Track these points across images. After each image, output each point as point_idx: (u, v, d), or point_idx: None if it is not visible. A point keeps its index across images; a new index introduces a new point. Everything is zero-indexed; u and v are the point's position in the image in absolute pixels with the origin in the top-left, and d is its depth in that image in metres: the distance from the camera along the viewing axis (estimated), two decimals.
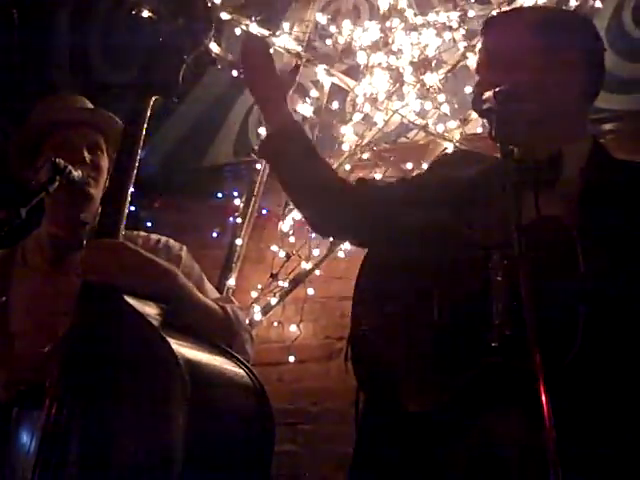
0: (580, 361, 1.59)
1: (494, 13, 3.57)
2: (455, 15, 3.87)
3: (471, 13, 3.85)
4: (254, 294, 4.15)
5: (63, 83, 5.08)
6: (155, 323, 1.95)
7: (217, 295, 2.39)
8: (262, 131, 3.94)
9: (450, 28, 3.86)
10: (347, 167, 3.93)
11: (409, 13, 3.96)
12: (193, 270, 2.37)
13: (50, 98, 2.63)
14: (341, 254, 4.00)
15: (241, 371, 2.01)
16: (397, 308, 1.84)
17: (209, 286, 2.38)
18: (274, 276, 4.12)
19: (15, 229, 2.06)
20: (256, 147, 4.07)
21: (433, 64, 3.89)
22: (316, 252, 4.06)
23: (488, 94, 1.81)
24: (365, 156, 4.02)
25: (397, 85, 3.92)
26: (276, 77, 2.19)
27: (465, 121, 3.85)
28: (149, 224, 4.30)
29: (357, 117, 4.00)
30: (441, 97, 3.87)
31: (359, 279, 1.95)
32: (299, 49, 4.13)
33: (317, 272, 4.10)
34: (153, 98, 2.18)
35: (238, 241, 4.34)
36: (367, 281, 1.93)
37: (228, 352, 2.04)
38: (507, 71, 1.90)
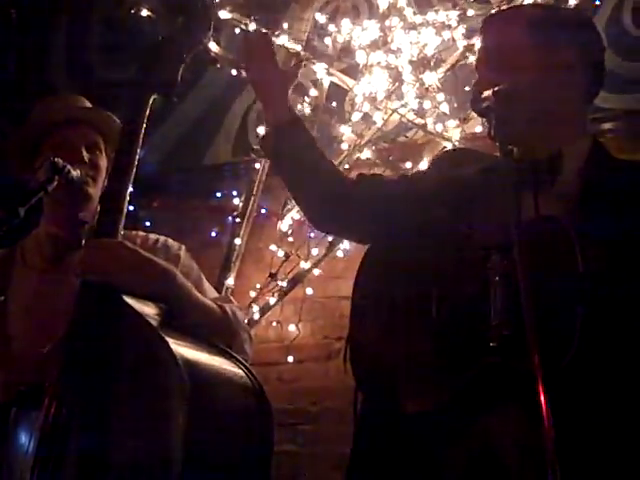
0: (578, 361, 1.59)
1: (493, 12, 3.57)
2: (454, 14, 3.86)
3: (470, 12, 3.84)
4: (253, 294, 4.16)
5: (62, 83, 5.08)
6: (154, 323, 1.95)
7: (216, 295, 2.39)
8: (261, 130, 3.93)
9: (449, 27, 3.85)
10: (346, 166, 3.93)
11: (408, 12, 3.96)
12: (192, 270, 2.36)
13: (49, 98, 2.63)
14: (340, 254, 4.00)
15: (240, 371, 2.00)
16: (396, 307, 1.84)
17: (208, 286, 2.38)
18: (273, 276, 4.12)
19: (14, 229, 2.06)
20: (255, 146, 4.11)
21: (432, 63, 3.88)
22: (315, 252, 4.06)
23: (487, 93, 1.81)
24: (364, 155, 4.01)
25: (396, 84, 3.92)
26: (278, 72, 2.19)
27: (464, 120, 3.85)
28: (148, 223, 4.30)
29: (356, 116, 3.99)
30: (440, 96, 3.87)
31: (358, 278, 1.95)
32: (298, 48, 4.13)
33: (316, 272, 4.10)
34: (152, 97, 2.18)
35: (237, 241, 4.34)
36: (366, 281, 1.92)
37: (227, 352, 2.04)
38: (506, 70, 1.89)
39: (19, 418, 1.99)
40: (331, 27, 4.09)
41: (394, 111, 3.91)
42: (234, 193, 4.47)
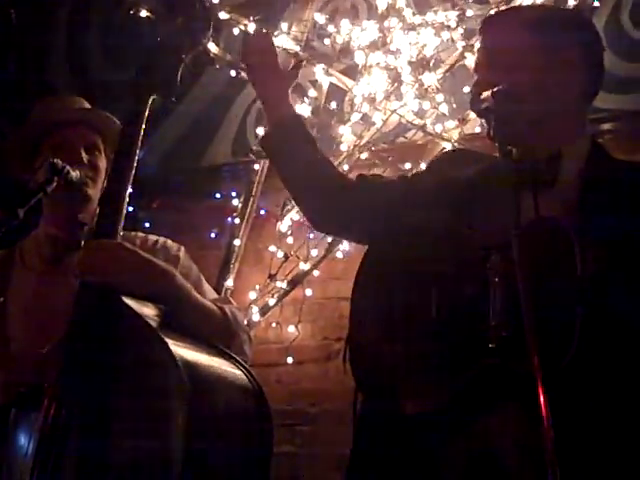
0: (578, 362, 1.59)
1: (492, 12, 3.57)
2: (453, 14, 3.86)
3: (469, 12, 3.84)
4: (252, 295, 4.15)
5: (62, 83, 5.08)
6: (153, 324, 1.95)
7: (215, 296, 2.39)
8: (260, 131, 3.93)
9: (448, 27, 3.85)
10: (345, 167, 3.93)
11: (407, 13, 3.95)
12: (191, 271, 2.36)
13: (48, 99, 2.63)
14: (339, 255, 4.00)
15: (239, 372, 2.00)
16: (396, 308, 1.84)
17: (207, 287, 2.38)
18: (272, 277, 4.12)
19: (13, 230, 2.05)
20: (254, 147, 4.11)
21: (431, 64, 3.88)
22: (314, 253, 4.06)
23: (486, 94, 1.81)
24: (363, 156, 4.02)
25: (395, 85, 3.92)
26: (279, 72, 2.19)
27: (463, 121, 3.85)
28: (147, 224, 4.30)
29: (355, 117, 3.99)
30: (439, 97, 3.87)
31: (358, 279, 1.94)
32: (297, 49, 4.13)
33: (315, 273, 4.10)
34: (151, 98, 2.18)
35: (236, 241, 4.34)
36: (366, 281, 1.92)
37: (226, 353, 2.04)
38: (506, 70, 1.89)
39: (18, 419, 1.99)
40: (330, 28, 4.08)
41: (393, 112, 3.91)
42: (233, 194, 4.46)
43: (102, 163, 2.41)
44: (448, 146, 3.80)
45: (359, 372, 1.85)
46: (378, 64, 3.93)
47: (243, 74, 4.05)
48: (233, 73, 4.29)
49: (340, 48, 4.07)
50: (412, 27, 3.90)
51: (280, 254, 4.11)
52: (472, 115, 3.60)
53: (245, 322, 2.39)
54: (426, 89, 3.86)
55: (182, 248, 2.43)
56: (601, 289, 1.63)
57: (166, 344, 1.89)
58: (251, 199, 4.39)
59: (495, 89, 1.79)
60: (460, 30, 3.84)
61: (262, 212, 4.41)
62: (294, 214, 4.03)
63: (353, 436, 1.90)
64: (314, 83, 4.23)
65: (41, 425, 1.89)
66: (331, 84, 4.19)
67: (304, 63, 4.05)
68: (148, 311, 1.99)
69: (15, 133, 2.49)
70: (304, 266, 4.07)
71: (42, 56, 5.18)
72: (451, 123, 3.88)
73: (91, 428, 1.89)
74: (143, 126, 2.17)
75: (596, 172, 1.88)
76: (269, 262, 4.16)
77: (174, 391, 1.85)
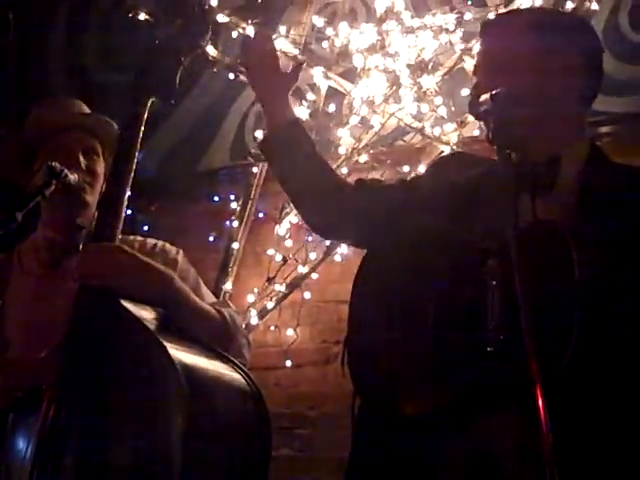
0: (575, 365, 1.59)
1: (491, 15, 3.58)
2: (452, 17, 3.86)
3: (468, 15, 3.84)
4: (251, 298, 4.15)
5: (60, 85, 5.07)
6: (152, 327, 1.95)
7: (213, 299, 2.39)
8: (259, 134, 3.93)
9: (447, 31, 3.84)
10: (344, 170, 3.92)
11: (405, 16, 3.95)
12: (189, 274, 2.36)
13: (46, 102, 2.63)
14: (338, 258, 4.00)
15: (238, 376, 2.00)
16: (395, 311, 1.84)
17: (205, 290, 2.38)
18: (270, 280, 4.12)
19: (11, 233, 2.05)
20: (253, 150, 4.10)
21: (430, 67, 3.88)
22: (313, 256, 4.05)
23: (485, 97, 1.80)
24: (362, 159, 4.01)
25: (394, 88, 3.92)
26: (279, 74, 2.19)
27: (462, 124, 3.84)
28: (146, 228, 4.30)
29: (354, 120, 3.99)
30: (438, 100, 3.86)
31: (356, 282, 1.94)
32: (296, 52, 4.13)
33: (314, 276, 4.10)
34: (150, 100, 2.18)
35: (235, 245, 4.33)
36: (365, 284, 1.92)
37: (225, 356, 2.04)
38: (505, 73, 1.89)
39: (16, 423, 1.99)
40: (329, 31, 4.08)
41: (392, 115, 3.91)
42: (232, 197, 4.46)
43: (100, 168, 2.41)
44: (447, 149, 3.80)
45: (358, 375, 1.85)
46: (377, 67, 3.92)
47: (242, 77, 4.05)
48: (232, 76, 4.28)
49: (339, 51, 4.06)
50: (410, 30, 3.90)
51: (278, 257, 4.11)
52: (471, 118, 3.60)
53: (243, 325, 2.39)
54: (424, 92, 3.86)
55: (180, 252, 2.43)
56: (599, 292, 1.64)
57: (164, 348, 1.89)
58: (249, 202, 4.38)
59: (494, 92, 1.79)
60: (459, 33, 3.83)
61: (260, 215, 4.40)
62: (292, 217, 4.03)
63: (352, 439, 1.90)
64: (312, 86, 4.23)
65: (39, 428, 1.88)
66: (329, 87, 4.19)
67: (304, 65, 4.04)
68: (146, 314, 1.99)
69: (13, 136, 2.49)
70: (302, 269, 4.07)
71: (41, 58, 5.17)
72: (450, 126, 3.87)
73: (89, 431, 1.88)
74: (142, 129, 2.17)
75: (595, 176, 1.88)
76: (267, 265, 4.16)
77: (173, 394, 1.85)
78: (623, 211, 1.77)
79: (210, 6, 3.90)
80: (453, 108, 3.87)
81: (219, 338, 2.13)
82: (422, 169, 3.73)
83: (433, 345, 1.77)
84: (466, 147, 3.71)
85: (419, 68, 3.87)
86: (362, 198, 2.14)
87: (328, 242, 3.91)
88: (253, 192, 4.38)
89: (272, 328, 4.20)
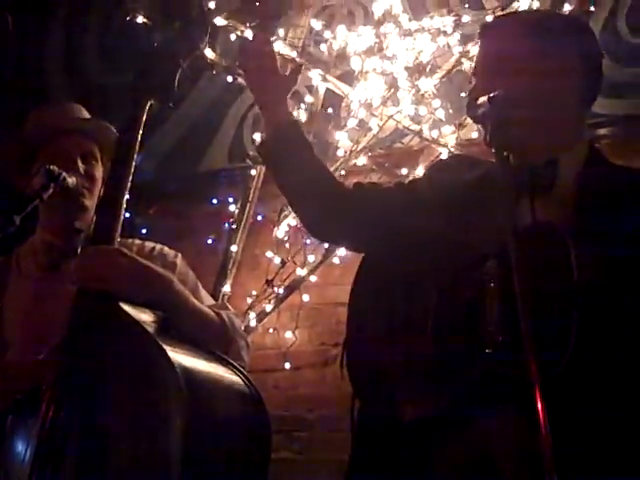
0: (574, 366, 1.59)
1: (488, 18, 3.58)
2: (449, 20, 3.86)
3: (465, 18, 3.84)
4: (249, 300, 4.14)
5: (58, 88, 5.07)
6: (151, 330, 1.95)
7: (212, 302, 2.39)
8: (257, 137, 3.93)
9: (445, 33, 3.85)
10: (342, 172, 3.92)
11: (403, 18, 3.95)
12: (188, 277, 2.36)
13: (45, 106, 2.63)
14: (336, 260, 4.00)
15: (237, 378, 2.00)
16: (394, 313, 1.84)
17: (204, 293, 2.38)
18: (269, 282, 4.11)
19: (10, 236, 2.05)
20: (251, 153, 4.10)
21: (428, 69, 3.88)
22: (311, 258, 4.05)
23: (482, 99, 1.81)
24: (360, 162, 4.01)
25: (392, 90, 3.92)
26: (278, 77, 2.18)
27: (460, 126, 3.84)
28: (144, 230, 4.29)
29: (352, 122, 3.99)
30: (436, 102, 3.86)
31: (355, 285, 1.94)
32: (294, 55, 4.13)
33: (312, 278, 4.09)
34: (149, 102, 2.18)
35: (233, 247, 4.33)
36: (363, 287, 1.92)
37: (224, 359, 2.04)
38: (504, 76, 1.89)
39: (15, 426, 1.99)
40: (327, 33, 4.08)
41: (390, 117, 3.91)
42: (230, 200, 4.46)
43: (98, 172, 2.41)
44: (445, 152, 3.80)
45: (357, 377, 1.85)
46: (374, 70, 3.92)
47: (240, 79, 4.05)
48: (230, 79, 4.28)
49: (336, 54, 4.07)
50: (408, 33, 3.90)
51: (277, 260, 4.11)
52: (469, 120, 3.60)
53: (242, 328, 2.39)
54: (422, 95, 3.86)
55: (179, 255, 2.43)
56: (597, 294, 1.64)
57: (164, 350, 1.89)
58: (248, 205, 4.38)
59: (492, 95, 1.79)
60: (456, 36, 3.84)
61: (259, 218, 4.40)
62: (291, 220, 4.03)
63: (352, 442, 1.90)
64: (310, 89, 4.23)
65: (38, 430, 1.88)
66: (327, 90, 4.19)
67: (303, 67, 4.04)
68: (146, 317, 1.99)
69: (12, 139, 2.49)
70: (301, 272, 4.06)
71: (40, 60, 5.17)
72: (448, 129, 3.87)
73: (89, 433, 1.88)
74: (141, 131, 2.17)
75: (594, 177, 1.88)
76: (266, 268, 4.16)
77: (172, 397, 1.85)
78: (622, 212, 1.77)
79: (208, 9, 3.90)
80: (451, 111, 3.87)
81: (218, 341, 2.13)
82: (420, 171, 3.73)
83: (432, 347, 1.77)
84: (464, 149, 3.71)
85: (417, 71, 3.87)
86: (360, 201, 2.13)
87: (327, 245, 3.91)
88: (251, 195, 4.38)
89: (271, 330, 4.20)
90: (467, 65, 3.77)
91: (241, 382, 2.01)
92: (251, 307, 4.12)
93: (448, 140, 3.85)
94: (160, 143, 4.71)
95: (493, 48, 1.99)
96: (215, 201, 4.56)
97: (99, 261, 2.04)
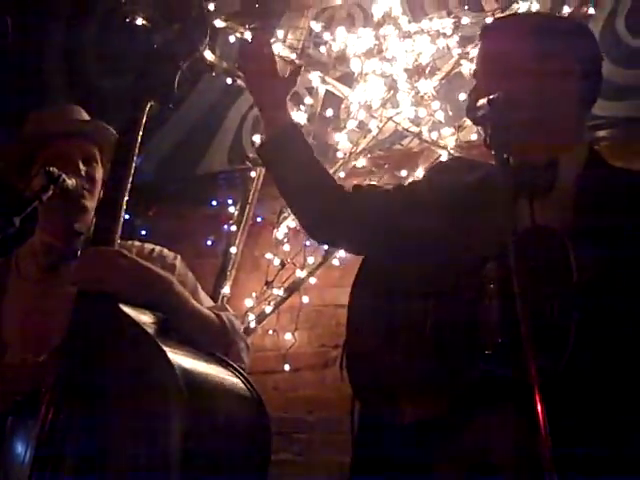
0: (574, 367, 1.59)
1: (488, 20, 3.58)
2: (449, 22, 3.86)
3: (465, 20, 3.84)
4: (249, 302, 4.14)
5: (58, 89, 5.07)
6: (151, 331, 1.95)
7: (212, 303, 2.39)
8: (257, 139, 3.93)
9: (444, 35, 3.85)
10: (342, 174, 3.92)
11: (403, 20, 3.96)
12: (187, 279, 2.36)
13: (45, 109, 2.63)
14: (336, 262, 3.99)
15: (237, 380, 2.00)
16: (394, 315, 1.84)
17: (203, 295, 2.38)
18: (269, 284, 4.11)
19: (9, 238, 2.05)
20: (250, 155, 4.10)
21: (427, 71, 3.88)
22: (311, 260, 4.05)
23: (482, 101, 1.81)
24: (359, 163, 4.01)
25: (391, 92, 3.92)
26: (277, 79, 2.18)
27: (459, 128, 3.84)
28: (144, 232, 4.29)
29: (351, 124, 3.99)
30: (435, 104, 3.86)
31: (355, 287, 1.94)
32: (293, 56, 4.13)
33: (312, 280, 4.09)
34: (149, 104, 2.18)
35: (233, 249, 4.33)
36: (363, 288, 1.92)
37: (224, 361, 2.04)
38: (503, 78, 1.89)
39: (15, 427, 1.99)
40: (326, 35, 4.08)
41: (389, 119, 3.91)
42: (229, 201, 4.46)
43: (99, 174, 2.41)
44: (444, 153, 3.80)
45: (357, 379, 1.85)
46: (374, 71, 3.92)
47: (239, 81, 4.05)
48: (229, 80, 4.29)
49: (336, 56, 4.06)
50: (408, 35, 3.90)
51: (277, 261, 4.11)
52: (468, 122, 3.61)
53: (242, 329, 2.39)
54: (422, 96, 3.86)
55: (178, 257, 2.43)
56: (597, 295, 1.64)
57: (164, 352, 1.89)
58: (247, 206, 4.38)
59: (491, 97, 1.79)
60: (456, 38, 3.84)
61: (258, 219, 4.40)
62: (290, 221, 4.03)
63: (352, 443, 1.90)
64: (310, 90, 4.23)
65: (38, 432, 1.88)
66: (327, 91, 4.19)
67: (302, 68, 4.04)
68: (146, 319, 1.99)
69: (11, 140, 2.49)
70: (301, 273, 4.07)
71: (39, 61, 5.17)
72: (447, 130, 3.87)
73: (89, 434, 1.88)
74: (140, 132, 2.17)
75: (593, 179, 1.88)
76: (265, 269, 4.16)
77: (172, 398, 1.85)
78: (621, 214, 1.77)
79: (208, 11, 3.91)
80: (450, 112, 3.87)
81: (218, 342, 2.13)
82: (420, 173, 3.74)
83: (432, 348, 1.77)
84: (464, 151, 3.71)
85: (416, 72, 3.87)
86: (360, 203, 2.13)
87: (326, 246, 3.91)
88: (251, 196, 4.38)
89: (270, 332, 4.20)
90: (466, 67, 3.77)
91: (241, 384, 2.01)
92: (250, 309, 4.12)
93: (447, 142, 3.85)
94: (160, 145, 4.71)
95: (493, 50, 1.99)
96: (215, 203, 4.56)
97: (99, 263, 2.04)
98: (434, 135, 3.88)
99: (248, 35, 4.03)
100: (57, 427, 1.88)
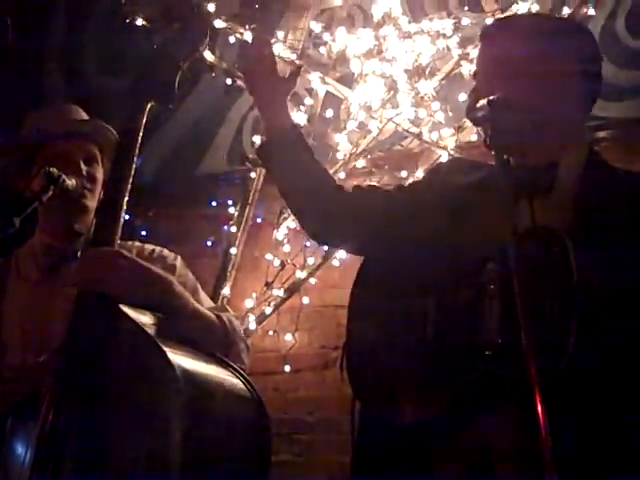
0: (574, 368, 1.59)
1: (488, 21, 3.58)
2: (449, 23, 3.86)
3: (465, 21, 3.85)
4: (249, 303, 4.14)
5: (58, 90, 5.07)
6: (151, 332, 1.95)
7: (212, 304, 2.39)
8: (257, 139, 3.93)
9: (444, 36, 3.85)
10: (342, 175, 3.93)
11: (403, 21, 3.96)
12: (187, 279, 2.36)
13: (44, 109, 2.63)
14: (336, 262, 4.00)
15: (237, 380, 2.00)
16: (394, 315, 1.84)
17: (204, 295, 2.38)
18: (269, 285, 4.12)
19: (9, 238, 2.05)
20: (250, 155, 4.10)
21: (427, 72, 3.89)
22: (311, 261, 4.05)
23: (482, 102, 1.81)
24: (360, 164, 4.01)
25: (391, 93, 3.92)
26: (277, 79, 2.18)
27: (459, 129, 3.85)
28: (144, 233, 4.29)
29: (351, 125, 3.99)
30: (435, 105, 3.87)
31: (355, 287, 1.94)
32: (293, 57, 4.13)
33: (312, 281, 4.10)
34: (149, 104, 2.18)
35: (233, 250, 4.33)
36: (363, 289, 1.93)
37: (224, 361, 2.04)
38: (503, 79, 1.90)
39: (15, 428, 1.99)
40: (326, 36, 4.08)
41: (389, 120, 3.91)
42: (229, 202, 4.46)
43: (99, 174, 2.41)
44: (444, 154, 3.81)
45: (357, 380, 1.85)
46: (374, 72, 3.93)
47: (239, 82, 4.05)
48: (229, 81, 4.29)
49: (336, 56, 4.07)
50: (408, 35, 3.90)
51: (277, 262, 4.11)
52: (468, 123, 3.61)
53: (242, 330, 2.39)
54: (422, 97, 3.86)
55: (178, 257, 2.43)
56: (597, 296, 1.64)
57: (164, 352, 1.89)
58: (247, 207, 4.38)
59: (491, 98, 1.79)
60: (456, 38, 3.84)
61: (258, 220, 4.40)
62: (290, 222, 4.03)
63: (352, 444, 1.90)
64: (310, 91, 4.23)
65: (38, 433, 1.88)
66: (327, 92, 4.19)
67: (302, 69, 4.04)
68: (146, 319, 1.99)
69: (11, 140, 2.49)
70: (301, 274, 4.07)
71: (39, 62, 5.17)
72: (447, 131, 3.88)
73: (89, 435, 1.88)
74: (141, 133, 2.17)
75: (593, 180, 1.88)
76: (266, 270, 4.16)
77: (172, 399, 1.84)
78: (621, 215, 1.78)
79: (208, 11, 3.91)
80: (450, 113, 3.87)
81: (218, 343, 2.13)
82: (420, 174, 3.74)
83: (432, 349, 1.77)
84: (464, 152, 3.71)
85: (416, 73, 3.88)
86: (360, 203, 2.13)
87: (326, 247, 3.91)
88: (251, 197, 4.38)
89: (270, 333, 4.20)
90: (466, 68, 3.77)
91: (241, 384, 2.00)
92: (251, 309, 4.12)
93: (447, 143, 3.85)
94: (160, 145, 4.72)
95: (493, 51, 1.99)
96: (214, 203, 4.56)
97: (99, 263, 2.03)
98: (434, 136, 3.89)
99: (248, 36, 4.04)
100: (57, 428, 1.88)
